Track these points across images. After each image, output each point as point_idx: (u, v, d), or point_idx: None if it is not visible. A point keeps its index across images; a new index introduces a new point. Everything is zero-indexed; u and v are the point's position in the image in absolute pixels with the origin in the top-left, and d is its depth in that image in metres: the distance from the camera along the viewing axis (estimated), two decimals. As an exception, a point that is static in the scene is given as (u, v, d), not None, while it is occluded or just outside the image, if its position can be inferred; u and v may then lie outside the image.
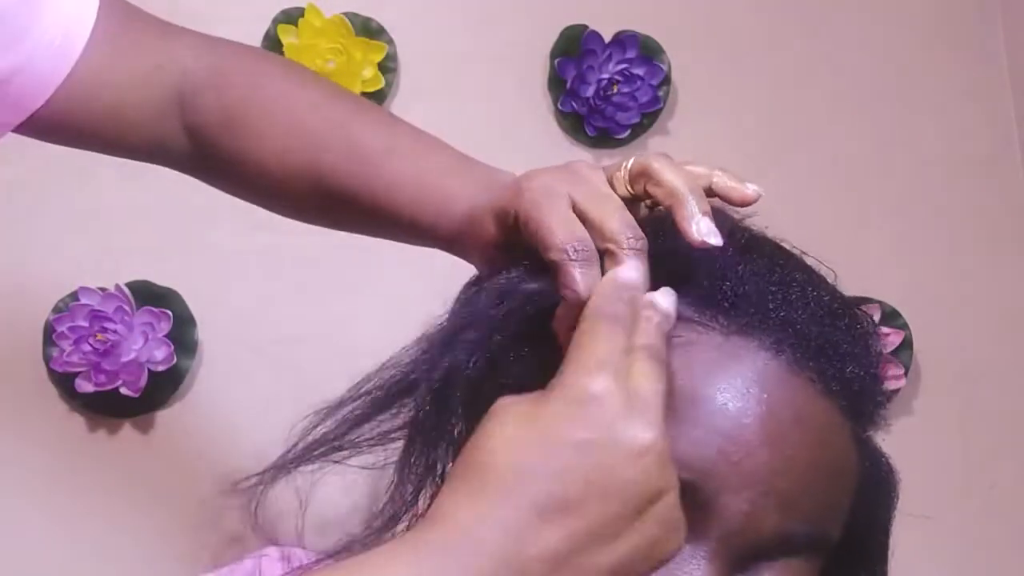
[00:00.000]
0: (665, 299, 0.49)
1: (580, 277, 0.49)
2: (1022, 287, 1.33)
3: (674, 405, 0.47)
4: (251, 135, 0.64)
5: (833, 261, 1.35)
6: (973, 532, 1.28)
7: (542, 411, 0.43)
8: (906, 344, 1.25)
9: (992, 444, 1.30)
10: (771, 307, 0.53)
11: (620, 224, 0.50)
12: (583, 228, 0.50)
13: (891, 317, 1.26)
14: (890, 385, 1.25)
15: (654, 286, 0.51)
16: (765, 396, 0.50)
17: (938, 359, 1.30)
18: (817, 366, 0.52)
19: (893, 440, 1.35)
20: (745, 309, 0.52)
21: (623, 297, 0.48)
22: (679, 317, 0.50)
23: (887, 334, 1.24)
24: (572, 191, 0.52)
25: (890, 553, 0.63)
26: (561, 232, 0.50)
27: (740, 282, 0.53)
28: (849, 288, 1.30)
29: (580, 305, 0.48)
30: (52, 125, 0.65)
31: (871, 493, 0.58)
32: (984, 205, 1.34)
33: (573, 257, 0.49)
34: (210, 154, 0.66)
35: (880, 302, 1.25)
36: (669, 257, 0.53)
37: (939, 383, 1.30)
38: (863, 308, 0.61)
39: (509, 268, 0.54)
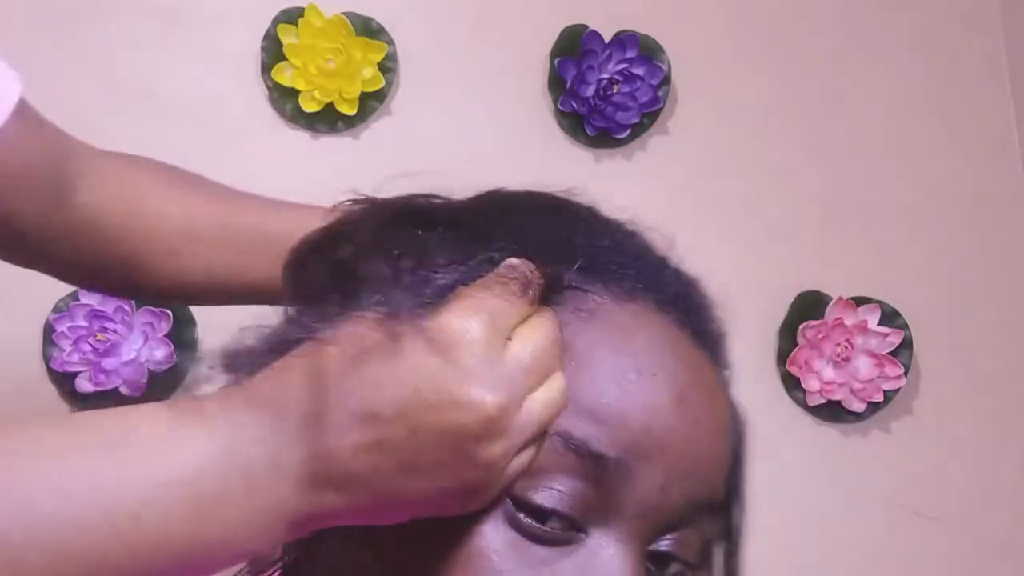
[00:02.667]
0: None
1: None
2: (1022, 287, 1.33)
3: (592, 380, 0.46)
4: (141, 251, 0.65)
5: (832, 260, 1.36)
6: (973, 532, 1.28)
7: (407, 333, 0.43)
8: (906, 344, 1.25)
9: (992, 444, 1.30)
10: (643, 271, 0.52)
11: None
12: None
13: (891, 317, 1.26)
14: (890, 385, 1.25)
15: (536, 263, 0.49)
16: (668, 361, 0.49)
17: (938, 359, 1.30)
18: (691, 322, 0.52)
19: (893, 440, 1.37)
20: (624, 275, 0.51)
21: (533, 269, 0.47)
22: (569, 287, 0.49)
23: (887, 334, 1.24)
24: None
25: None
26: None
27: (610, 251, 0.52)
28: (849, 288, 1.32)
29: None
30: None
31: (738, 440, 0.55)
32: (984, 205, 1.34)
33: None
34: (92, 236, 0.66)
35: (880, 302, 1.25)
36: (538, 234, 0.51)
37: (939, 383, 1.30)
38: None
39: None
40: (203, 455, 0.39)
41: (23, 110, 0.63)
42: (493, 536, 0.44)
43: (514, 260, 0.47)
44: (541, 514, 0.44)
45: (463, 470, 0.42)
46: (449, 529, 0.44)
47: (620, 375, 0.47)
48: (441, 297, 0.44)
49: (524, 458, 0.44)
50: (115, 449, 0.39)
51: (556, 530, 0.45)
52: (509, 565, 0.44)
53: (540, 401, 0.44)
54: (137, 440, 0.39)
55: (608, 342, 0.48)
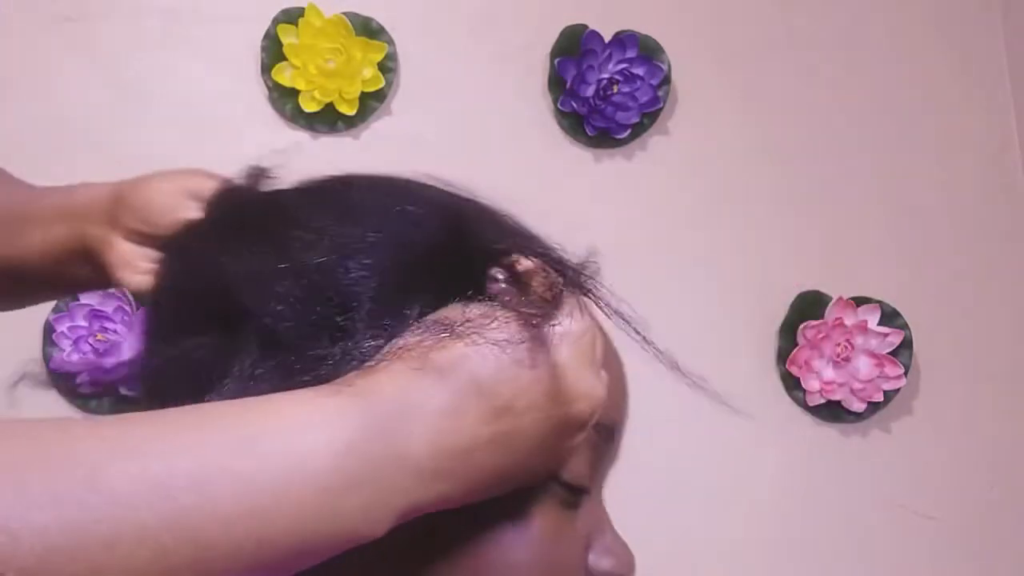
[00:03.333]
0: None
1: None
2: (1022, 287, 1.33)
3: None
4: None
5: (833, 261, 1.36)
6: (973, 532, 1.28)
7: (536, 330, 0.45)
8: (906, 344, 1.25)
9: (992, 444, 1.30)
10: (570, 265, 0.54)
11: None
12: None
13: (891, 317, 1.26)
14: (890, 385, 1.25)
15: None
16: (613, 344, 0.54)
17: (938, 359, 1.30)
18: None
19: (893, 440, 1.36)
20: (565, 269, 0.53)
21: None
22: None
23: (887, 334, 1.24)
24: None
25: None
26: None
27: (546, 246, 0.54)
28: (849, 288, 1.32)
29: None
30: None
31: None
32: (984, 205, 1.34)
33: None
34: None
35: (880, 302, 1.25)
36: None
37: (939, 383, 1.30)
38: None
39: None
40: (330, 448, 0.39)
41: None
42: (538, 506, 0.48)
43: (533, 263, 0.49)
44: (567, 486, 0.49)
45: (559, 454, 0.46)
46: (500, 500, 0.46)
47: (609, 358, 0.51)
48: (552, 301, 0.47)
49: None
50: (248, 442, 0.39)
51: (575, 496, 0.49)
52: (548, 530, 0.48)
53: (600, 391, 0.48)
54: (267, 434, 0.39)
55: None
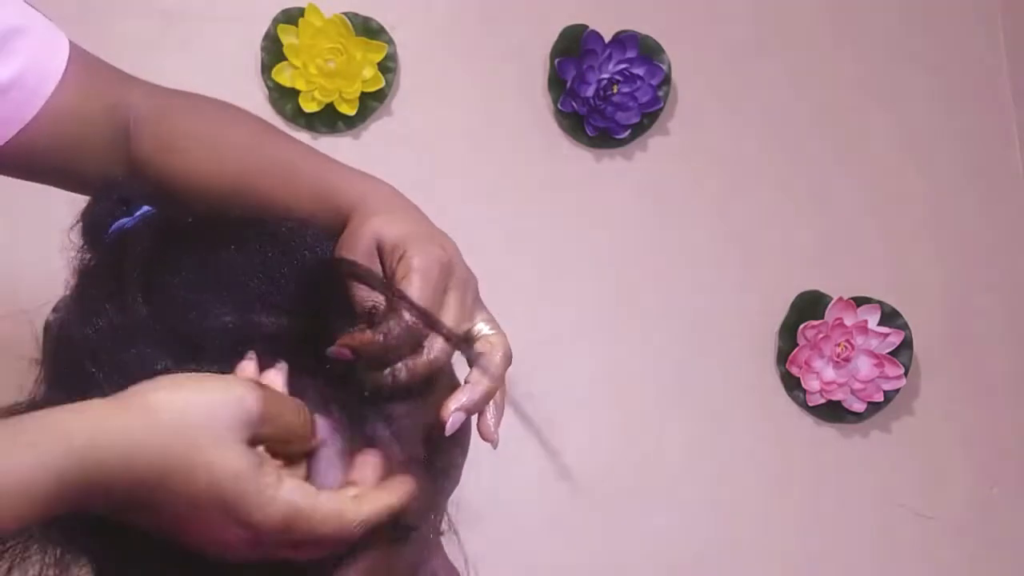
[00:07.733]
0: None
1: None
2: (1022, 287, 1.33)
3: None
4: (179, 159, 0.68)
5: (833, 261, 1.36)
6: (974, 532, 1.28)
7: None
8: (906, 344, 1.25)
9: (993, 444, 1.30)
10: None
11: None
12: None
13: (891, 317, 1.26)
14: (890, 385, 1.25)
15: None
16: None
17: (938, 359, 1.30)
18: None
19: (893, 440, 1.36)
20: None
21: None
22: None
23: (887, 334, 1.24)
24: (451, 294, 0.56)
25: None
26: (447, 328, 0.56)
27: None
28: (849, 288, 1.31)
29: None
30: (18, 157, 0.69)
31: None
32: (984, 205, 1.34)
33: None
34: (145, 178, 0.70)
35: (880, 302, 1.25)
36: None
37: (939, 383, 1.30)
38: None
39: None
40: None
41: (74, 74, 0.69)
42: (369, 541, 0.54)
43: None
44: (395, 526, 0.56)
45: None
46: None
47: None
48: None
49: None
50: None
51: (403, 533, 0.57)
52: (377, 560, 0.55)
53: None
54: None
55: None
